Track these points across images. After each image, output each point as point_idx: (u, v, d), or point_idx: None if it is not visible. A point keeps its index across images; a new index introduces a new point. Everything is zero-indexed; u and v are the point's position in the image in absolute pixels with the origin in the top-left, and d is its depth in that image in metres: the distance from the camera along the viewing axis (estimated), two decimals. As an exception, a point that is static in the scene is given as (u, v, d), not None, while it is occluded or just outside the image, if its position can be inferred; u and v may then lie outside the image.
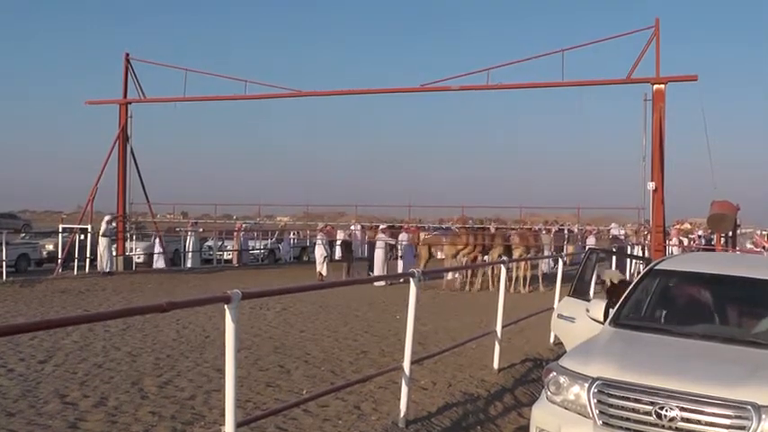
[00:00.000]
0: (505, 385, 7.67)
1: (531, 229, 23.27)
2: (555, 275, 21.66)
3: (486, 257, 20.25)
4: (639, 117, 20.08)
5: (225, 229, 30.30)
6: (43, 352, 9.12)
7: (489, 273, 19.73)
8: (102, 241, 22.04)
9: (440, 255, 21.66)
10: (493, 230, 21.52)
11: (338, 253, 27.19)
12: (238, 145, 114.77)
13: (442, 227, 24.96)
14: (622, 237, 26.37)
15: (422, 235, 23.26)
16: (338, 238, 26.78)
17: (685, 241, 30.34)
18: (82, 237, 23.24)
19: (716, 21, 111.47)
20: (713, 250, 23.45)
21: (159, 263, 25.52)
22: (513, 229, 22.38)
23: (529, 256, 19.58)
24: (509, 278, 19.21)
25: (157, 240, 26.03)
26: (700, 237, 31.85)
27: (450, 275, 19.97)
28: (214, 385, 7.38)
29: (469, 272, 19.77)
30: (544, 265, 23.57)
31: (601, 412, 4.62)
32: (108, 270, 21.72)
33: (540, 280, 19.96)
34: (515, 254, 19.44)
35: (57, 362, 8.59)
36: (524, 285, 19.39)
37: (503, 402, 7.16)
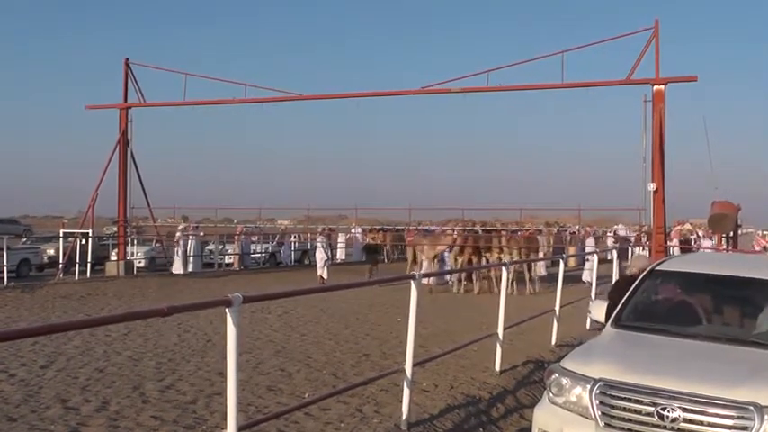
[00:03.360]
0: (507, 387, 7.66)
1: (528, 230, 23.05)
2: (550, 277, 21.77)
3: (482, 260, 20.19)
4: (639, 118, 20.10)
5: (226, 232, 30.32)
6: (45, 357, 9.12)
7: (480, 275, 19.67)
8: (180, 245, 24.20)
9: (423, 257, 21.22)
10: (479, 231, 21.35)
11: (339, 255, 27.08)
12: (239, 148, 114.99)
13: (427, 228, 24.82)
14: (632, 238, 26.27)
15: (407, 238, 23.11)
16: (339, 241, 26.76)
17: (679, 242, 30.26)
18: (83, 242, 23.26)
19: (715, 21, 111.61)
20: (690, 246, 23.37)
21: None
22: (506, 230, 22.19)
23: (524, 258, 19.43)
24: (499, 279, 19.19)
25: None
26: (700, 237, 31.77)
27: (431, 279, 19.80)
28: (216, 389, 7.38)
29: (464, 273, 19.69)
30: (541, 268, 23.50)
31: (603, 413, 4.62)
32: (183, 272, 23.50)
33: (536, 281, 19.80)
34: (506, 256, 19.32)
35: (58, 367, 8.59)
36: (525, 286, 19.26)
37: (504, 404, 7.15)
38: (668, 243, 22.34)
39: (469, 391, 7.31)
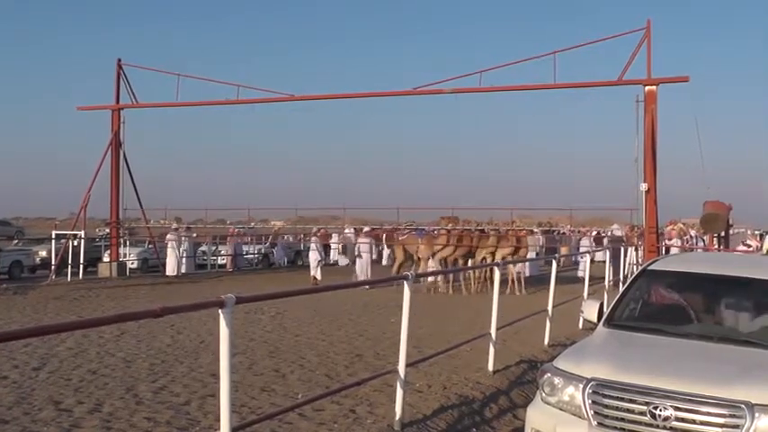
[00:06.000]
0: (500, 387, 7.68)
1: (515, 230, 23.03)
2: (538, 278, 21.78)
3: (470, 260, 20.19)
4: (632, 119, 20.17)
5: (219, 233, 30.27)
6: (37, 359, 9.08)
7: (472, 275, 19.68)
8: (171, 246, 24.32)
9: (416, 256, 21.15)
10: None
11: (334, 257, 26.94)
12: (232, 149, 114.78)
13: (420, 228, 24.84)
14: (625, 237, 26.38)
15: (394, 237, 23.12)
16: (332, 241, 26.71)
17: (680, 242, 30.36)
18: (75, 243, 23.17)
19: (707, 22, 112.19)
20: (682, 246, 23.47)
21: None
22: (495, 230, 22.20)
23: (513, 258, 19.41)
24: (480, 279, 19.24)
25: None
26: (693, 237, 31.87)
27: (431, 278, 19.88)
28: (209, 390, 7.37)
29: (452, 274, 19.69)
30: (526, 269, 23.50)
31: (595, 413, 4.64)
32: (174, 273, 23.44)
33: (523, 282, 19.75)
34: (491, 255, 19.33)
35: (51, 368, 8.56)
36: (513, 287, 19.15)
37: (498, 404, 7.16)
38: (665, 242, 22.43)
39: (463, 391, 7.32)
